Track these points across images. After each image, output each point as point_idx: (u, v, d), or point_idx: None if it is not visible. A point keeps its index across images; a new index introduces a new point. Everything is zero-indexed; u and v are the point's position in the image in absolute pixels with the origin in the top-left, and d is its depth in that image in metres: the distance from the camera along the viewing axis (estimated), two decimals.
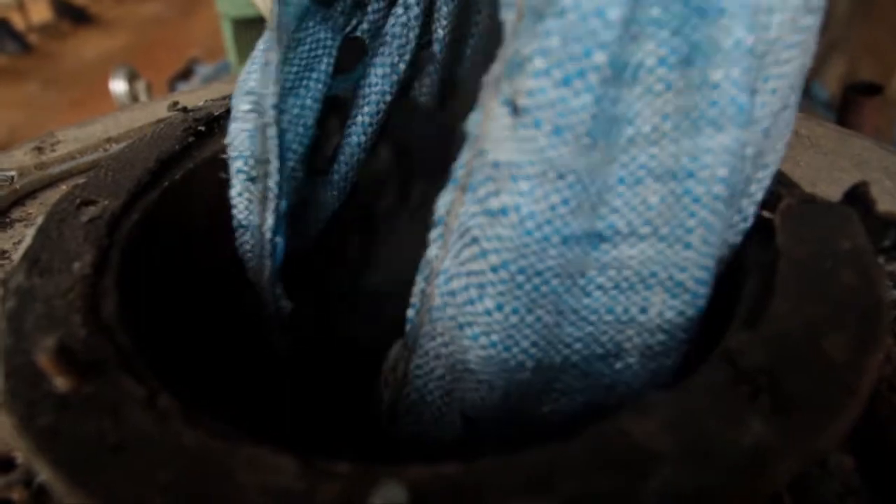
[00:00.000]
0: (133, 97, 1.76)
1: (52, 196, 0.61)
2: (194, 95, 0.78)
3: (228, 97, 0.61)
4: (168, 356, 0.39)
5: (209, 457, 0.28)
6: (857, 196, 0.41)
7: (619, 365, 0.40)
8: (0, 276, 0.49)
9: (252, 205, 0.50)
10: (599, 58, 0.33)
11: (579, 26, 0.32)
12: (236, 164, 0.49)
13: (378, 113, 0.55)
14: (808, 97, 2.09)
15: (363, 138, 0.56)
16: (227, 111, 0.58)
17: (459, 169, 0.37)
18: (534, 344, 0.39)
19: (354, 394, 0.62)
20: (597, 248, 0.38)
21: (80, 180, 0.48)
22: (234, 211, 0.50)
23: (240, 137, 0.49)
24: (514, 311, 0.38)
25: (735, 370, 0.30)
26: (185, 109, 0.58)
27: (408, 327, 0.43)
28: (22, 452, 0.35)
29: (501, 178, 0.35)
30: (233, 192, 0.50)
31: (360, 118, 0.55)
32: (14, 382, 0.32)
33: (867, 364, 0.30)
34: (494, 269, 0.37)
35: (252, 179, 0.49)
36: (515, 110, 0.34)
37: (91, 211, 0.44)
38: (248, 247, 0.51)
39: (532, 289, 0.37)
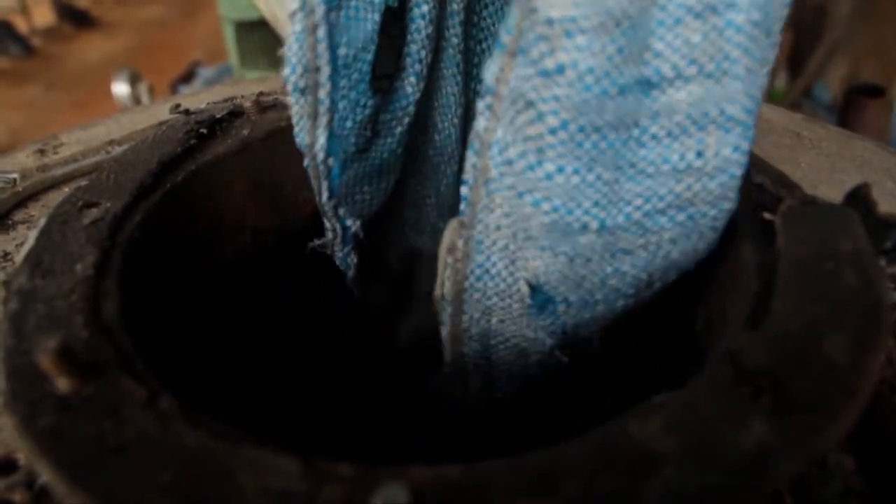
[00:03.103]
0: (135, 99, 1.76)
1: (55, 198, 0.61)
2: (196, 98, 0.78)
3: (230, 99, 0.61)
4: (169, 357, 0.39)
5: (210, 458, 0.28)
6: (859, 198, 0.41)
7: (680, 217, 0.40)
8: (2, 277, 0.50)
9: (302, 121, 0.46)
10: None
11: None
12: (285, 73, 0.44)
13: None
14: (810, 99, 2.09)
15: (425, 32, 0.50)
16: (229, 113, 0.58)
17: (506, 34, 0.36)
18: (595, 203, 0.39)
19: (356, 394, 0.62)
20: (647, 95, 0.37)
21: (83, 182, 0.48)
22: (294, 130, 0.47)
23: (288, 42, 0.44)
24: (575, 171, 0.38)
25: (737, 371, 0.30)
26: (186, 112, 0.58)
27: (462, 205, 0.42)
28: (23, 454, 0.35)
29: (556, 36, 0.34)
30: (291, 111, 0.47)
31: (416, 10, 0.49)
32: (15, 383, 0.32)
33: (868, 365, 0.30)
34: (553, 131, 0.36)
35: (301, 91, 0.45)
36: None
37: (93, 213, 0.44)
38: (309, 169, 0.49)
39: (591, 146, 0.37)
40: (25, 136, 3.17)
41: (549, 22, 0.34)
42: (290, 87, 0.45)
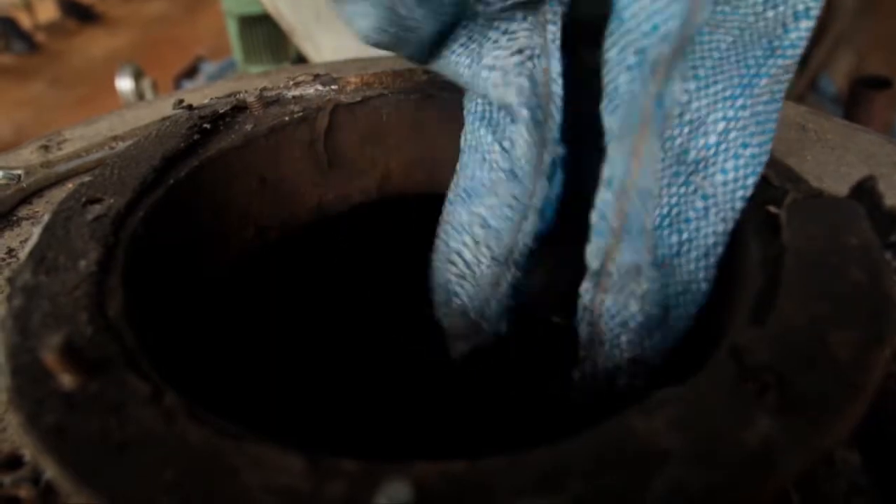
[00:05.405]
0: (139, 95, 1.77)
1: (59, 194, 0.61)
2: (199, 93, 0.78)
3: (233, 95, 0.61)
4: (173, 353, 0.39)
5: (214, 455, 0.28)
6: (865, 191, 0.40)
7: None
8: (6, 274, 0.50)
9: (531, 150, 0.47)
10: None
11: None
12: (522, 114, 0.46)
13: None
14: (815, 91, 2.08)
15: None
16: (232, 109, 0.58)
17: (600, 220, 0.40)
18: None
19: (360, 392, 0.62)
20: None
21: (86, 178, 0.48)
22: (510, 164, 0.48)
23: (515, 85, 0.46)
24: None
25: (742, 368, 0.30)
26: (190, 107, 0.58)
27: (582, 362, 0.46)
28: (29, 450, 0.35)
29: None
30: (514, 142, 0.47)
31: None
32: (20, 380, 0.32)
33: (873, 361, 0.30)
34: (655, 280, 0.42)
35: (537, 123, 0.46)
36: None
37: (97, 209, 0.44)
38: (506, 208, 0.48)
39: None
40: (30, 132, 3.18)
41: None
42: (523, 119, 0.46)
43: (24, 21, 4.68)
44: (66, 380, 0.31)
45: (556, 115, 0.45)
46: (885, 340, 0.31)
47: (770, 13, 0.41)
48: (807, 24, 0.41)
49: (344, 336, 0.68)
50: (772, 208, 0.41)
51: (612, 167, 0.39)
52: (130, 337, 0.35)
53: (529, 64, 0.46)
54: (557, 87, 0.45)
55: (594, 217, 0.40)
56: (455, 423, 0.60)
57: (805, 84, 2.12)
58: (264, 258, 0.61)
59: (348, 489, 0.27)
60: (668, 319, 0.43)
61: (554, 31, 0.44)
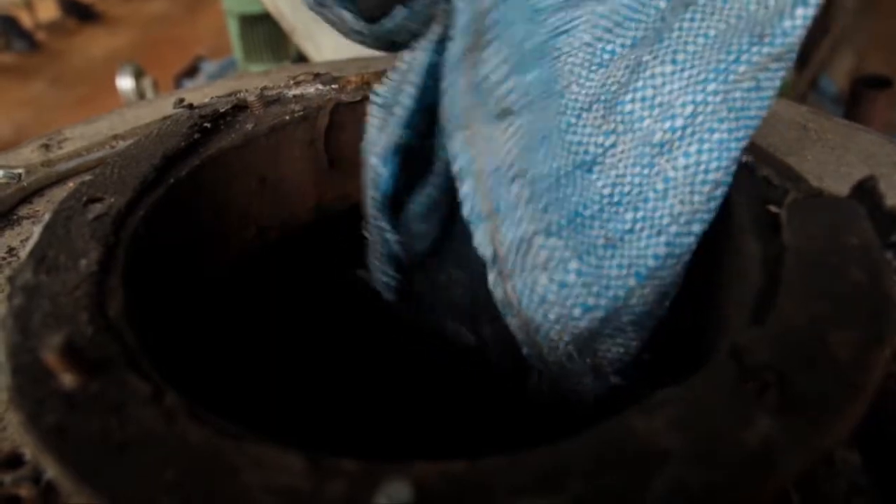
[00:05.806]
0: (139, 94, 1.77)
1: (59, 193, 0.61)
2: (200, 92, 0.78)
3: (234, 94, 0.61)
4: (175, 354, 0.39)
5: (215, 455, 0.28)
6: (866, 191, 0.40)
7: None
8: (7, 273, 0.50)
9: (372, 130, 0.50)
10: None
11: None
12: (376, 99, 0.50)
13: None
14: (816, 91, 2.08)
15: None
16: (233, 108, 0.58)
17: (470, 211, 0.42)
18: (621, 265, 0.43)
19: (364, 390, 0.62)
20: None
21: (87, 177, 0.48)
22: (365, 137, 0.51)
23: (390, 72, 0.50)
24: (585, 262, 0.43)
25: (742, 367, 0.30)
26: (190, 106, 0.58)
27: (530, 359, 0.46)
28: (29, 449, 0.35)
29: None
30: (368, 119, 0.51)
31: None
32: (21, 380, 0.32)
33: (873, 361, 0.30)
34: (560, 246, 0.42)
35: (385, 106, 0.50)
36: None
37: (97, 208, 0.44)
38: (368, 176, 0.52)
39: (589, 234, 0.43)
40: (30, 131, 3.18)
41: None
42: (376, 101, 0.51)
43: (25, 20, 4.68)
44: (67, 379, 0.31)
45: (406, 102, 0.48)
46: (885, 340, 0.31)
47: (772, 1, 0.40)
48: (803, 12, 0.39)
49: (343, 336, 0.68)
50: (772, 207, 0.41)
51: (458, 160, 0.42)
52: (131, 337, 0.35)
53: (412, 58, 0.49)
54: (413, 76, 0.48)
55: (465, 210, 0.42)
56: (455, 423, 0.60)
57: (805, 84, 2.12)
58: (264, 258, 0.61)
59: (348, 489, 0.27)
60: (604, 293, 0.43)
61: (436, 29, 0.47)
